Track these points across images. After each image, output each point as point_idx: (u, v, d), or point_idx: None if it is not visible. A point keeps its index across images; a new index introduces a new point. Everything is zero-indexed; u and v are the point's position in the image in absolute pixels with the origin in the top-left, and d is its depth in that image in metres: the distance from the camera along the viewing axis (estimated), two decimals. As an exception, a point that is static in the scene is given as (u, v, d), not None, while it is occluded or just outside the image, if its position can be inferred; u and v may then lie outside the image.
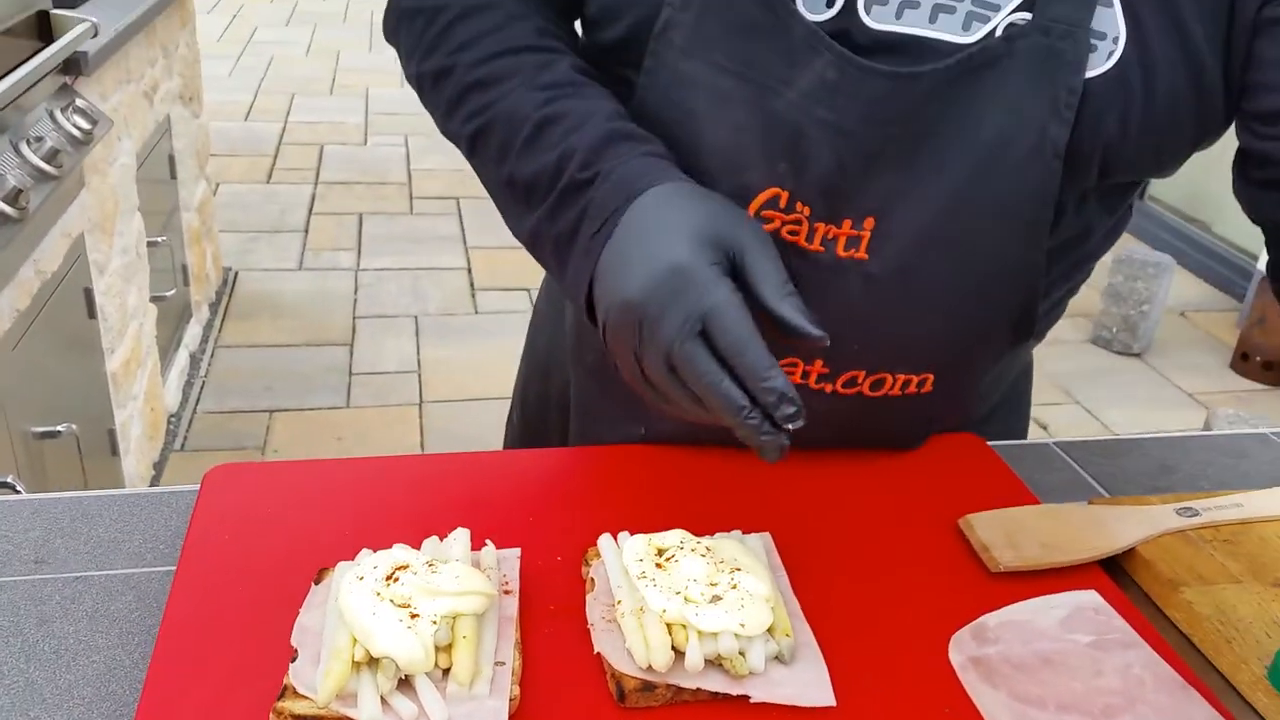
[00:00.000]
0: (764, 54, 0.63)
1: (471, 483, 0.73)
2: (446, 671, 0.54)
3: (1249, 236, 3.80)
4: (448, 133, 0.72)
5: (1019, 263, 0.69)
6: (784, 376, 0.55)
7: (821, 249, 0.66)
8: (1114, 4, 0.61)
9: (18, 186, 1.47)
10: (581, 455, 0.78)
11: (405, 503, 0.70)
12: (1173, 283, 3.37)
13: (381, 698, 0.52)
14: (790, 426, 0.55)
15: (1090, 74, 0.62)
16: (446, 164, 4.63)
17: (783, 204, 0.65)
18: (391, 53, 0.76)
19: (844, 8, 0.62)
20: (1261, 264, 3.53)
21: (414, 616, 0.54)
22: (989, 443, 0.81)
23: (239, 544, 0.65)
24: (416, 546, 0.61)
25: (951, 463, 0.79)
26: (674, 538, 0.62)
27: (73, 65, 1.83)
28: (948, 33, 0.62)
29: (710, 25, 0.63)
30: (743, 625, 0.56)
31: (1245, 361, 3.23)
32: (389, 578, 0.56)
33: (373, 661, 0.53)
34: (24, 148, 1.58)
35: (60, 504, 0.72)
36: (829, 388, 0.71)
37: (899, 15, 0.62)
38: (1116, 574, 0.69)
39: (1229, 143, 0.70)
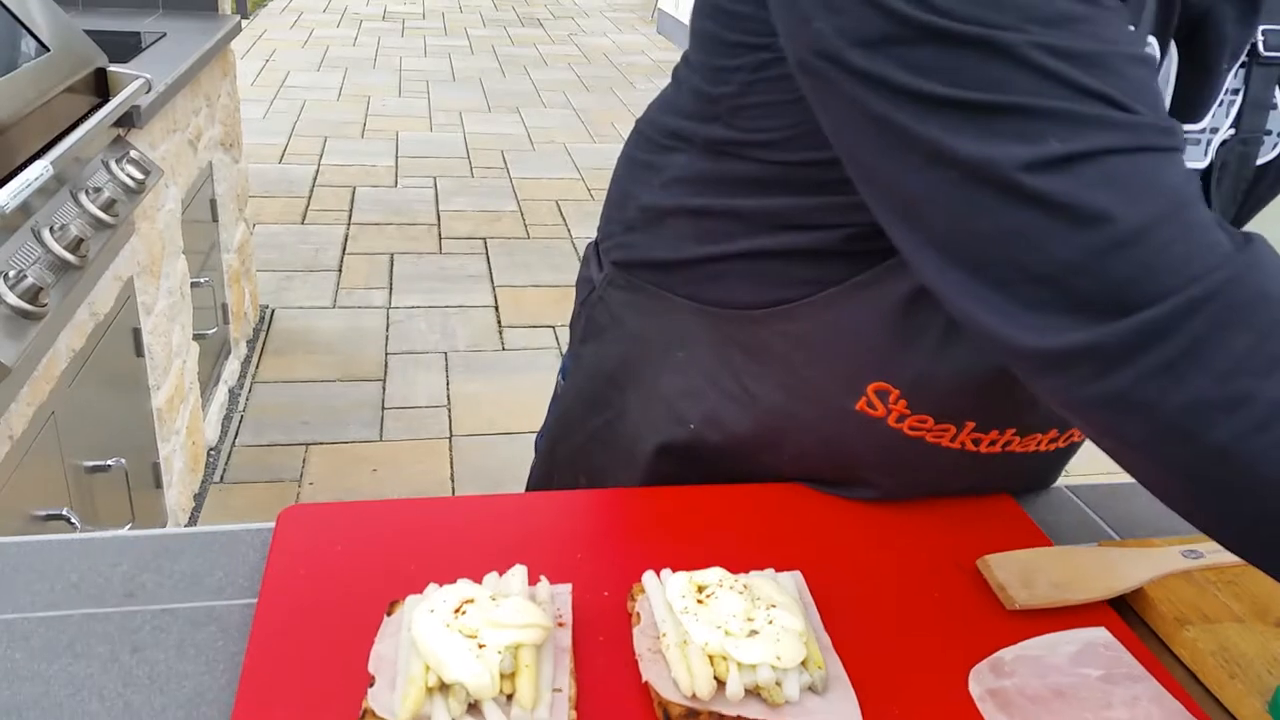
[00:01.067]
0: None
1: (525, 522, 0.79)
2: (510, 697, 0.59)
3: None
4: (1210, 450, 0.51)
5: None
6: None
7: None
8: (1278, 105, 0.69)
9: (79, 236, 1.55)
10: (624, 496, 0.84)
11: (465, 540, 0.76)
12: None
13: (452, 720, 0.58)
14: None
15: (1259, 162, 0.70)
16: (474, 205, 4.73)
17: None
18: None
19: None
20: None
21: (481, 646, 0.59)
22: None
23: (314, 579, 0.71)
24: (478, 581, 0.67)
25: (970, 506, 0.84)
26: (713, 575, 0.68)
27: (127, 119, 1.92)
28: (1194, 161, 0.68)
29: None
30: (779, 658, 0.61)
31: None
32: (457, 610, 0.62)
33: (445, 687, 0.58)
34: (83, 198, 1.66)
35: (145, 541, 0.78)
36: (1015, 447, 0.79)
37: None
38: (1125, 612, 0.74)
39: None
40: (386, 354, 3.35)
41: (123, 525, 1.87)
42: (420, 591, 0.67)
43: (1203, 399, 0.49)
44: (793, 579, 0.72)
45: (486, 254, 4.19)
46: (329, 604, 0.69)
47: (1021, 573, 0.74)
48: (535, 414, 1.06)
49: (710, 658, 0.62)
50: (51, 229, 1.50)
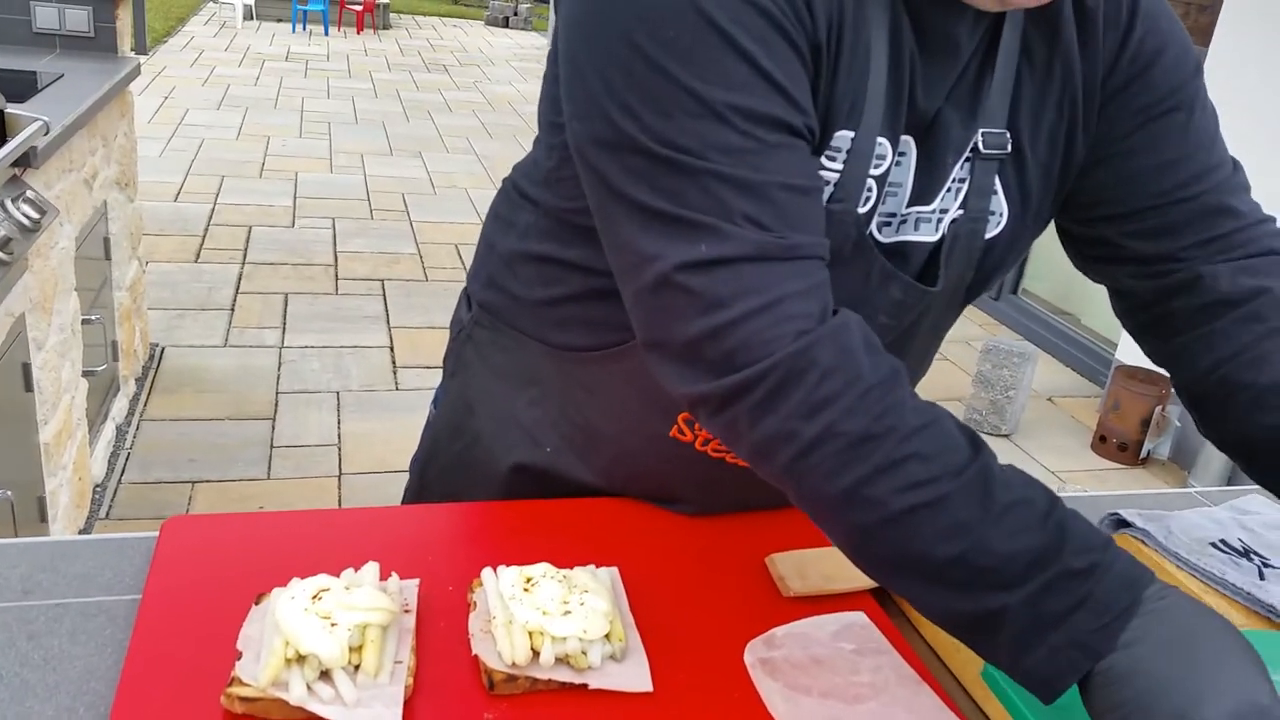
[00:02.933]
0: (851, 281, 0.80)
1: (384, 530, 0.91)
2: (358, 668, 0.71)
3: (1110, 327, 4.16)
4: (858, 497, 0.66)
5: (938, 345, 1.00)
6: None
7: None
8: (999, 192, 0.85)
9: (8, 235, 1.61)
10: (473, 509, 0.97)
11: (329, 545, 0.88)
12: (1041, 371, 3.69)
13: (307, 685, 0.69)
14: None
15: (986, 237, 0.87)
16: (372, 247, 4.81)
17: None
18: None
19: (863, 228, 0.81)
20: (1119, 353, 3.88)
21: (333, 625, 0.72)
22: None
23: (193, 576, 0.82)
24: (337, 577, 0.79)
25: (769, 517, 0.99)
26: (539, 569, 0.81)
27: (24, 159, 1.98)
28: (925, 235, 0.84)
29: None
30: (585, 631, 0.75)
31: (1103, 443, 3.55)
32: (314, 597, 0.74)
33: (301, 658, 0.70)
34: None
35: (42, 546, 0.88)
36: None
37: (897, 230, 0.83)
38: (884, 599, 0.90)
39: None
40: (277, 393, 3.40)
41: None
42: (284, 586, 0.78)
43: (770, 434, 0.68)
44: (609, 573, 0.86)
45: (384, 295, 4.28)
46: (204, 597, 0.80)
47: (798, 566, 0.89)
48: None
49: (530, 634, 0.75)
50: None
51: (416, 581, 0.82)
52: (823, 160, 0.75)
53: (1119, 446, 3.50)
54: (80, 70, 2.76)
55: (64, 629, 0.79)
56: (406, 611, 0.79)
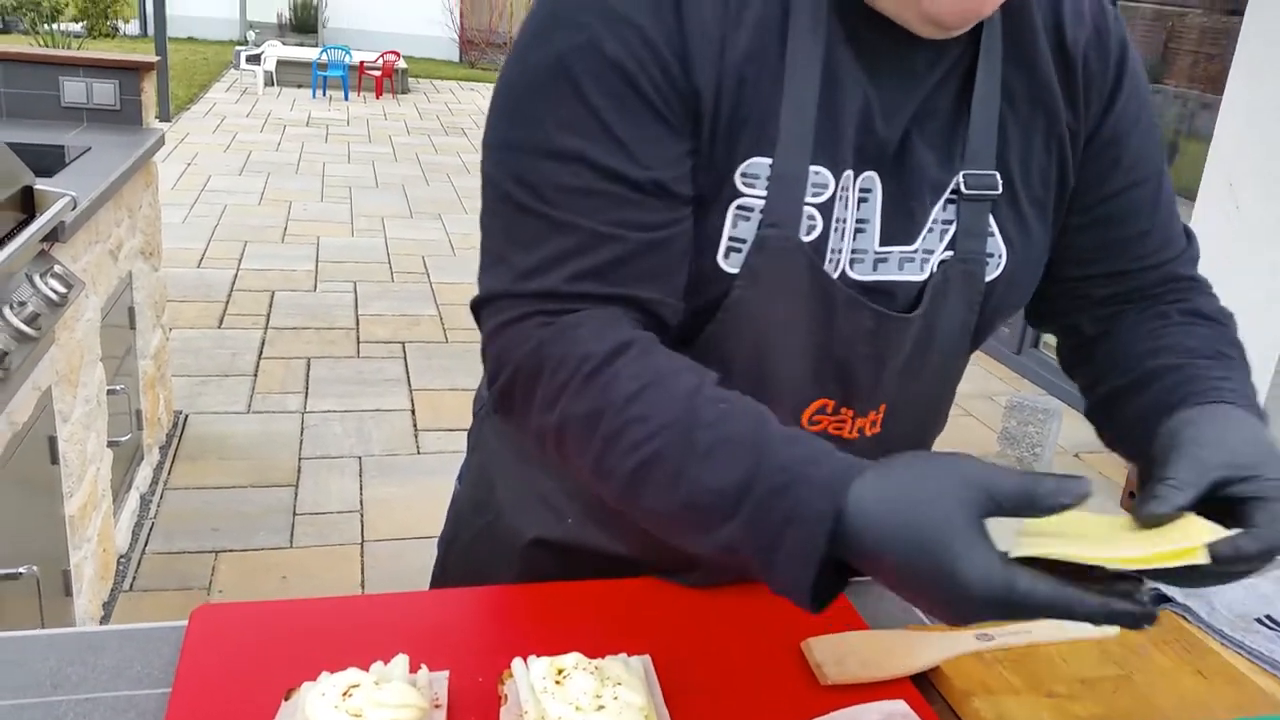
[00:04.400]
0: (817, 310, 0.82)
1: (411, 617, 0.90)
2: (389, 766, 0.70)
3: (1136, 382, 4.12)
4: (601, 470, 0.73)
5: (951, 392, 0.98)
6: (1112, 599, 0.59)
7: (856, 436, 0.90)
8: (996, 234, 0.86)
9: (3, 349, 1.63)
10: (500, 592, 0.95)
11: (356, 635, 0.87)
12: (1066, 426, 3.66)
13: (339, 785, 0.68)
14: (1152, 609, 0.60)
15: (987, 279, 0.87)
16: (393, 309, 4.85)
17: (830, 410, 0.88)
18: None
19: (840, 271, 0.83)
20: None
21: (365, 723, 0.70)
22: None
23: (222, 670, 0.81)
24: (366, 670, 0.78)
25: (804, 598, 0.98)
26: (571, 660, 0.80)
27: (52, 234, 2.01)
28: (911, 275, 0.85)
29: (773, 294, 0.80)
30: (619, 727, 0.73)
31: (1133, 499, 3.50)
32: (344, 694, 0.73)
33: (333, 758, 0.69)
34: (8, 312, 1.74)
35: (69, 638, 0.87)
36: None
37: (875, 269, 0.84)
38: (924, 686, 0.88)
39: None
40: (300, 459, 3.40)
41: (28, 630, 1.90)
42: (314, 679, 0.77)
43: (536, 433, 0.78)
44: (641, 662, 0.84)
45: (405, 358, 4.30)
46: (235, 691, 0.79)
47: (835, 652, 0.87)
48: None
49: (563, 729, 0.73)
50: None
51: (446, 674, 0.81)
52: (739, 187, 0.78)
53: (1148, 503, 3.45)
54: (106, 143, 2.82)
55: (92, 726, 0.78)
56: (437, 707, 0.77)
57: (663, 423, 0.70)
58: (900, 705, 0.84)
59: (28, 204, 2.03)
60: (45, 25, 13.40)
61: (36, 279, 1.90)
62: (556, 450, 0.77)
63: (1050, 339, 4.73)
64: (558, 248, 0.76)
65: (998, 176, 0.84)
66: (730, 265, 0.80)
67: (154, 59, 3.22)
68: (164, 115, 8.80)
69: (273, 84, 12.08)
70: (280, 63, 12.22)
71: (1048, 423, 3.47)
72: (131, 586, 2.66)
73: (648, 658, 0.85)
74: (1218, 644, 0.95)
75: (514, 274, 0.78)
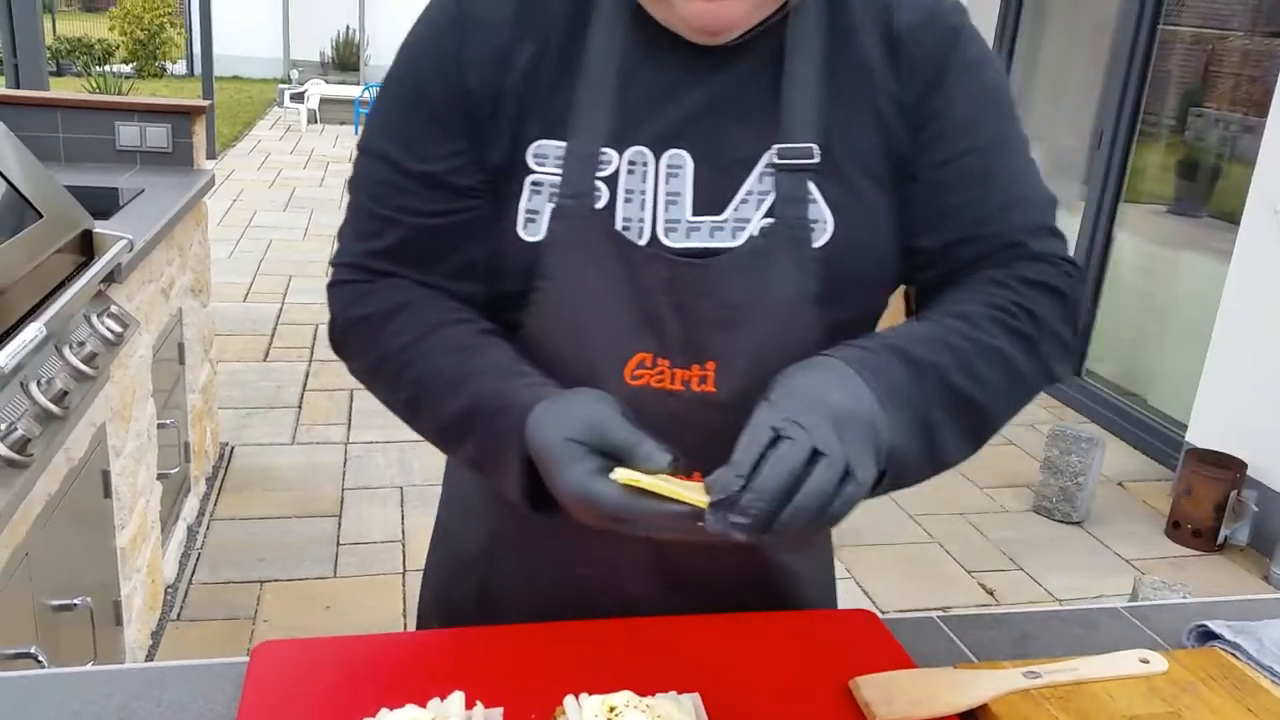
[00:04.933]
0: (617, 271, 0.90)
1: (465, 654, 0.92)
2: (447, 802, 0.72)
3: (1179, 408, 4.08)
4: (390, 406, 0.95)
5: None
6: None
7: (683, 388, 0.92)
8: (820, 201, 0.90)
9: (63, 389, 1.68)
10: (549, 630, 0.97)
11: (413, 671, 0.89)
12: (1110, 454, 3.62)
13: (399, 821, 0.70)
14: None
15: (816, 245, 0.90)
16: (432, 340, 4.89)
17: (649, 364, 0.92)
18: None
19: (650, 238, 0.90)
20: (1189, 435, 3.79)
21: (424, 759, 0.72)
22: (887, 613, 1.01)
23: (284, 706, 0.84)
24: (424, 706, 0.80)
25: (850, 633, 0.98)
26: (622, 698, 0.81)
27: (109, 276, 2.07)
28: (724, 242, 0.90)
29: (580, 259, 0.90)
30: (671, 765, 0.74)
31: (1177, 529, 3.45)
32: (404, 730, 0.75)
33: (393, 793, 0.71)
34: (67, 352, 1.80)
35: (134, 674, 0.90)
36: None
37: (688, 236, 0.90)
38: (972, 725, 0.88)
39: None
40: (343, 489, 3.44)
41: (85, 663, 1.94)
42: (373, 716, 0.79)
43: (352, 369, 0.98)
44: (691, 700, 0.85)
45: (443, 390, 4.33)
46: (296, 726, 0.81)
47: (884, 691, 0.88)
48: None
49: (616, 767, 0.75)
50: (39, 382, 1.63)
51: (500, 711, 0.83)
52: (531, 165, 0.91)
53: (1193, 533, 3.40)
54: (159, 184, 2.89)
55: (159, 761, 0.80)
56: (492, 742, 0.79)
57: (425, 367, 0.90)
58: (948, 743, 0.84)
59: (87, 247, 2.09)
60: (98, 67, 13.76)
61: (94, 319, 1.96)
62: (370, 390, 0.96)
63: (1093, 367, 4.69)
64: (362, 229, 0.95)
65: (815, 148, 0.90)
66: (529, 234, 0.91)
67: (204, 103, 3.30)
68: (210, 153, 8.97)
69: (316, 121, 12.29)
70: (323, 100, 12.43)
71: (1091, 452, 3.44)
72: (179, 616, 2.70)
73: (697, 696, 0.86)
74: (1267, 681, 0.94)
75: (341, 248, 0.97)
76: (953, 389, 0.84)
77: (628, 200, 0.90)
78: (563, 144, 0.90)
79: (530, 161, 0.91)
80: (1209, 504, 3.36)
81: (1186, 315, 4.29)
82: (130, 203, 2.67)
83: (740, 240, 0.90)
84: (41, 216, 1.92)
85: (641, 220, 0.90)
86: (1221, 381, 3.68)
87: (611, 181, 0.90)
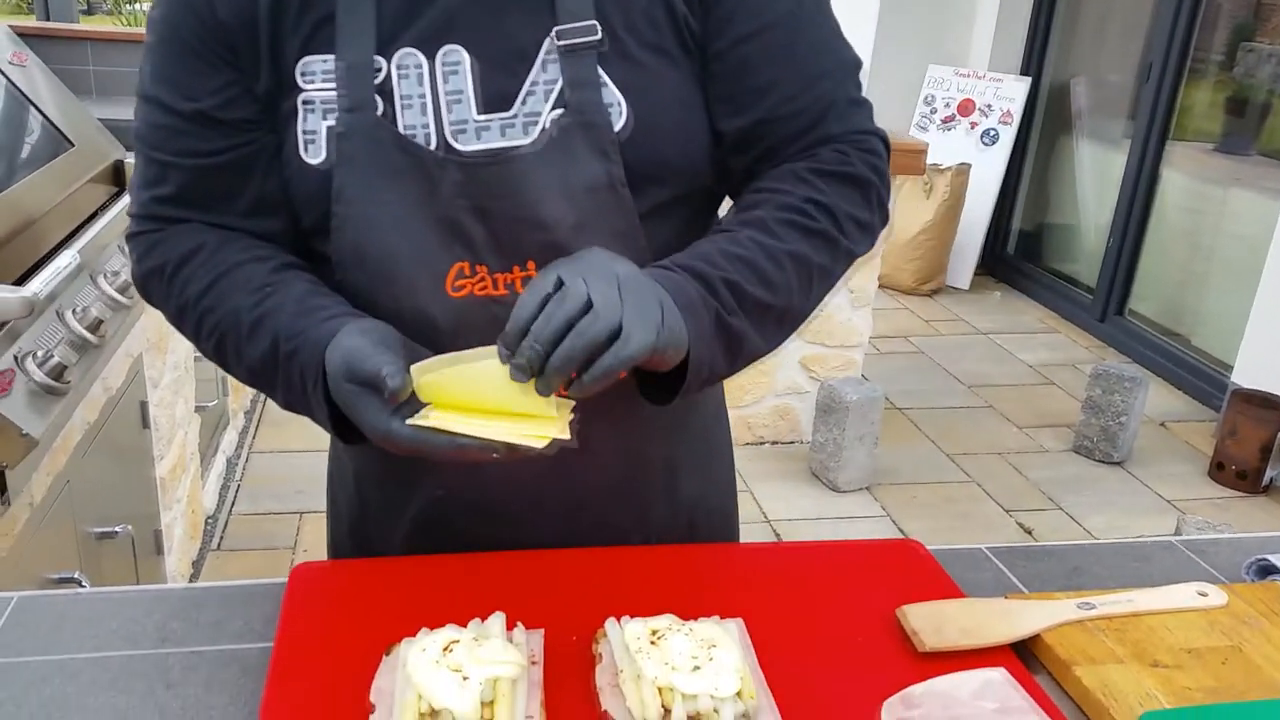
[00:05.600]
0: (411, 182, 0.87)
1: (506, 576, 0.90)
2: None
3: (1224, 349, 3.99)
4: (202, 353, 0.93)
5: (633, 253, 0.90)
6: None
7: (507, 292, 0.89)
8: (613, 87, 0.87)
9: (99, 317, 1.68)
10: (590, 555, 0.95)
11: (451, 593, 0.87)
12: (1152, 394, 3.55)
13: (441, 739, 0.69)
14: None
15: (616, 129, 0.87)
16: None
17: (467, 272, 0.89)
18: None
19: (439, 144, 0.87)
20: (1234, 376, 3.71)
21: (465, 679, 0.71)
22: (932, 547, 0.99)
23: (322, 626, 0.83)
24: (464, 627, 0.78)
25: (896, 563, 0.96)
26: (664, 621, 0.79)
27: (143, 205, 2.06)
28: (516, 140, 0.87)
29: (372, 176, 0.87)
30: (716, 688, 0.73)
31: (1221, 470, 3.39)
32: (445, 649, 0.74)
33: (434, 713, 0.69)
34: (101, 281, 1.79)
35: (174, 594, 0.90)
36: None
37: (479, 137, 0.87)
38: (1025, 656, 0.86)
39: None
40: (378, 424, 3.45)
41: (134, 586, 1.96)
42: (414, 636, 0.78)
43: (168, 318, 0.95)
44: (735, 624, 0.83)
45: (476, 327, 4.33)
46: (335, 647, 0.80)
47: (933, 620, 0.86)
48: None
49: (659, 690, 0.73)
50: (74, 311, 1.63)
51: (541, 632, 0.81)
52: (300, 84, 0.88)
53: (1238, 474, 3.34)
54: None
55: (199, 678, 0.80)
56: (534, 664, 0.78)
57: (224, 312, 0.88)
58: (1000, 673, 0.82)
59: (119, 178, 2.08)
60: (128, 6, 13.72)
61: (127, 249, 1.95)
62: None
63: (1136, 306, 4.60)
64: (147, 176, 0.92)
65: (596, 25, 0.86)
66: (311, 156, 0.88)
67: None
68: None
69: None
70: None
71: (1134, 391, 3.37)
72: (219, 546, 2.74)
73: (740, 621, 0.84)
74: (1332, 616, 0.91)
75: (131, 199, 0.94)
76: (747, 296, 0.84)
77: (406, 106, 0.87)
78: (329, 58, 0.87)
79: (299, 80, 0.88)
80: (1254, 445, 3.30)
81: (1234, 255, 4.18)
82: (162, 134, 2.64)
83: (533, 136, 0.87)
84: (73, 145, 1.90)
85: (426, 126, 0.87)
86: (1270, 322, 3.59)
87: (385, 90, 0.87)
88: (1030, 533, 3.05)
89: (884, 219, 0.96)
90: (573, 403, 0.78)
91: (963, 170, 4.96)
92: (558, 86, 0.87)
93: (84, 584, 1.64)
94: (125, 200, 1.92)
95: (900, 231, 4.96)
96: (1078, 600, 0.91)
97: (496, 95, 0.87)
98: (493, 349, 0.76)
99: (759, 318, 0.86)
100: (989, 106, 5.16)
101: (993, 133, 5.15)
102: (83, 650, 0.82)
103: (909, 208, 4.94)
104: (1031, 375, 4.24)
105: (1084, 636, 0.87)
